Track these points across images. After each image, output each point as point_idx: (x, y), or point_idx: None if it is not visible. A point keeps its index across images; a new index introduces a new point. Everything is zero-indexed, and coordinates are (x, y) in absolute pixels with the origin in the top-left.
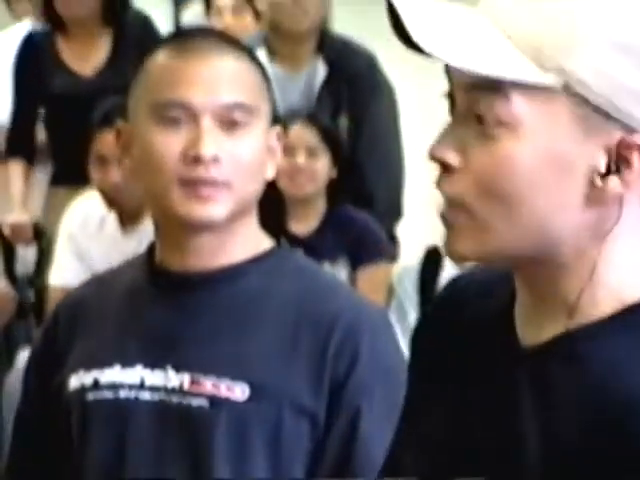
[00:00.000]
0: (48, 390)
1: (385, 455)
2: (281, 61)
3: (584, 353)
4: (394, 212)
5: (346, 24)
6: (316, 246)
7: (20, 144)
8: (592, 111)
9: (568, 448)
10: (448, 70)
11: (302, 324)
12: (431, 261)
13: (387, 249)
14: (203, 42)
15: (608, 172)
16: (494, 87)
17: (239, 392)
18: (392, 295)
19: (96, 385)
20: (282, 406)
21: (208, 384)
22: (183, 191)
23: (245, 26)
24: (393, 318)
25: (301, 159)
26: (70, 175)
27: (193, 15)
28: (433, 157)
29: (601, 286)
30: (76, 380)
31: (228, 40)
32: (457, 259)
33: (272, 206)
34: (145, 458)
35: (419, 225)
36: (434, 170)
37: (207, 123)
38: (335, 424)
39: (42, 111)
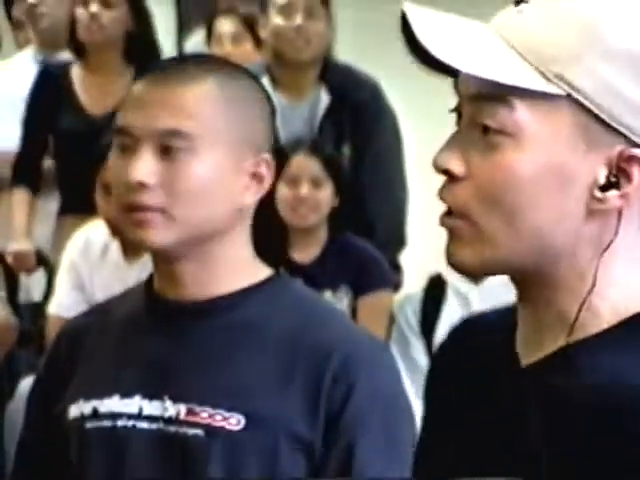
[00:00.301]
0: (49, 419)
1: None
2: (284, 90)
3: (583, 364)
4: (397, 241)
5: (348, 50)
6: (317, 274)
7: (26, 174)
8: (594, 122)
9: (569, 451)
10: (456, 85)
11: (298, 354)
12: (434, 289)
13: (389, 278)
14: (173, 69)
15: (609, 185)
16: (499, 96)
17: (234, 422)
18: (394, 323)
19: (95, 414)
20: (277, 436)
21: (204, 414)
22: (126, 217)
23: (245, 54)
24: (394, 346)
25: (304, 190)
26: (77, 204)
27: (196, 44)
28: (437, 166)
29: (601, 301)
30: (76, 409)
31: (210, 66)
32: (457, 268)
33: (274, 235)
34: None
35: (422, 253)
36: (438, 198)
37: (145, 149)
38: (331, 454)
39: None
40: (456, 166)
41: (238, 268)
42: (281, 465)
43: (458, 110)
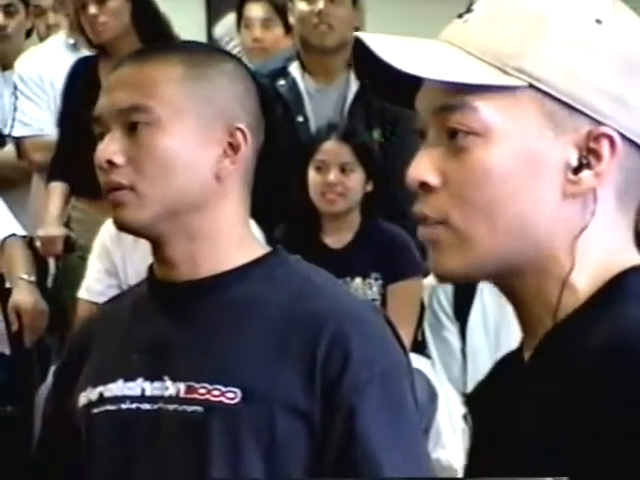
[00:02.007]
0: (63, 411)
1: None
2: (313, 75)
3: (562, 344)
4: None
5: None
6: (349, 261)
7: (62, 170)
8: (558, 107)
9: (556, 439)
10: (418, 106)
11: (291, 326)
12: None
13: (419, 265)
14: (141, 53)
15: (581, 166)
16: (462, 103)
17: (231, 396)
18: (427, 308)
19: (101, 399)
20: (274, 407)
21: (202, 390)
22: (107, 200)
23: (275, 39)
24: (428, 330)
25: (333, 176)
26: (88, 189)
27: (225, 28)
28: (412, 180)
29: (577, 277)
30: (84, 397)
31: (179, 47)
32: (444, 277)
33: (306, 219)
34: (147, 465)
35: None
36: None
37: (113, 130)
38: (331, 425)
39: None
40: (431, 177)
41: (230, 246)
42: (280, 436)
43: (421, 131)
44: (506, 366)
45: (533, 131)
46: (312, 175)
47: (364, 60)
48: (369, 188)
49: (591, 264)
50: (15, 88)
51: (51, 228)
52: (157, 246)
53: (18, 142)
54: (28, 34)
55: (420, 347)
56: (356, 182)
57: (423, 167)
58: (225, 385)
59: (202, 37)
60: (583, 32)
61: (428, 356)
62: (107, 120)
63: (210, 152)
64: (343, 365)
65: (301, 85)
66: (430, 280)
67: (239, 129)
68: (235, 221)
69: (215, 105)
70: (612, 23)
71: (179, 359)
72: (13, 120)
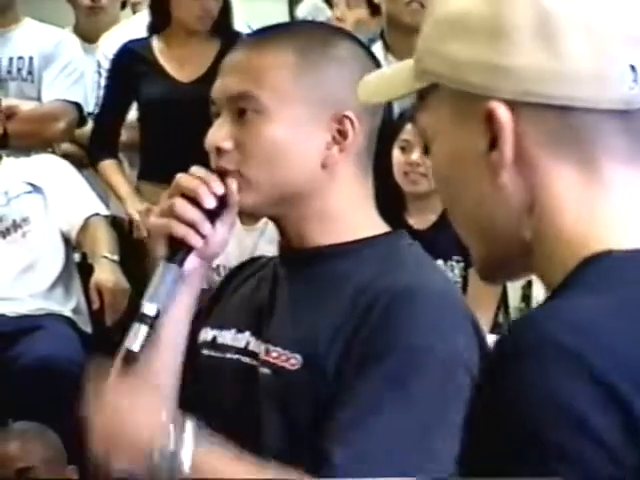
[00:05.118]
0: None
1: None
2: (396, 55)
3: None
4: None
5: None
6: (432, 241)
7: (109, 147)
8: (458, 95)
9: None
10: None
11: (362, 300)
12: None
13: None
14: (256, 37)
15: (493, 145)
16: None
17: (294, 362)
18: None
19: (213, 343)
20: (329, 377)
21: (274, 354)
22: None
23: (360, 19)
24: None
25: (416, 155)
26: (157, 172)
27: (307, 8)
28: None
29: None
30: (202, 335)
31: (293, 32)
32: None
33: (390, 199)
34: (237, 410)
35: None
36: None
37: (224, 114)
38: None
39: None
40: None
41: (342, 226)
42: (325, 401)
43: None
44: None
45: (447, 125)
46: (396, 155)
47: None
48: None
49: (578, 243)
50: (99, 66)
51: (139, 205)
52: (273, 220)
53: None
54: (123, 5)
55: (500, 329)
56: None
57: None
58: (292, 351)
59: (284, 17)
60: (451, 12)
61: None
62: (219, 103)
63: (317, 141)
64: (372, 332)
65: (384, 65)
66: None
67: (346, 116)
68: (347, 204)
69: (324, 93)
70: None
71: (270, 323)
72: (97, 98)
